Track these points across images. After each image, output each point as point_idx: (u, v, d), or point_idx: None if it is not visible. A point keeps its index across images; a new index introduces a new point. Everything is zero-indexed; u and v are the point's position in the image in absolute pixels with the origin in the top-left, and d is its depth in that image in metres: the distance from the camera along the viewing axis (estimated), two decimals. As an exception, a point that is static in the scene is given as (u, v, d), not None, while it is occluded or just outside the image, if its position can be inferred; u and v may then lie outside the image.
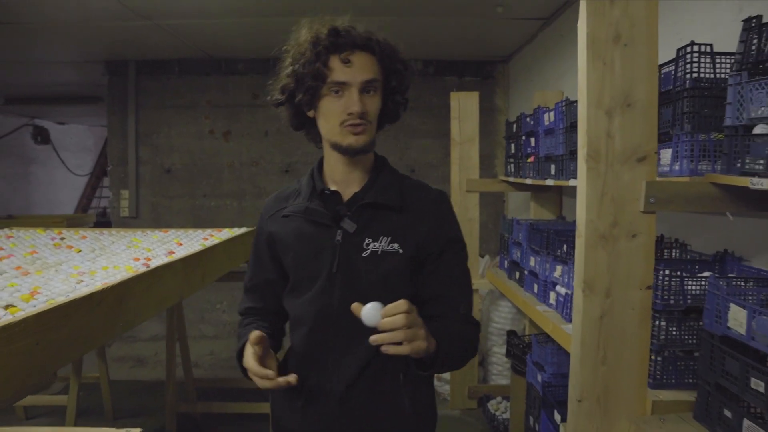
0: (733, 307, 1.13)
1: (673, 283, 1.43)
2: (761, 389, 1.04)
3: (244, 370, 1.13)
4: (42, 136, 8.46)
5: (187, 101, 4.72)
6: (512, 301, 2.78)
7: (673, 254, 1.94)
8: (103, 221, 8.36)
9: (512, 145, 3.04)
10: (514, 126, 2.99)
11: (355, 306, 1.00)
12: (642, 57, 1.24)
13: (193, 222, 4.67)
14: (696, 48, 1.37)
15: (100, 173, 10.52)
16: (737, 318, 1.12)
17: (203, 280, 2.21)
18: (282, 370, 1.15)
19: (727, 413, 1.15)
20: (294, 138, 4.70)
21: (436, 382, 3.73)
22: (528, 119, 2.73)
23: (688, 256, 1.89)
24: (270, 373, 1.05)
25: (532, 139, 2.67)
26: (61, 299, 1.32)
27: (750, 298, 1.20)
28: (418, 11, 3.44)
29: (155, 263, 2.13)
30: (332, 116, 1.13)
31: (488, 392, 3.45)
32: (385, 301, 1.02)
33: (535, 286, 2.46)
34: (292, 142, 4.70)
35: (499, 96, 4.74)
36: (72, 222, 4.97)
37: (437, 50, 4.52)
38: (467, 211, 3.36)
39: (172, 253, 2.36)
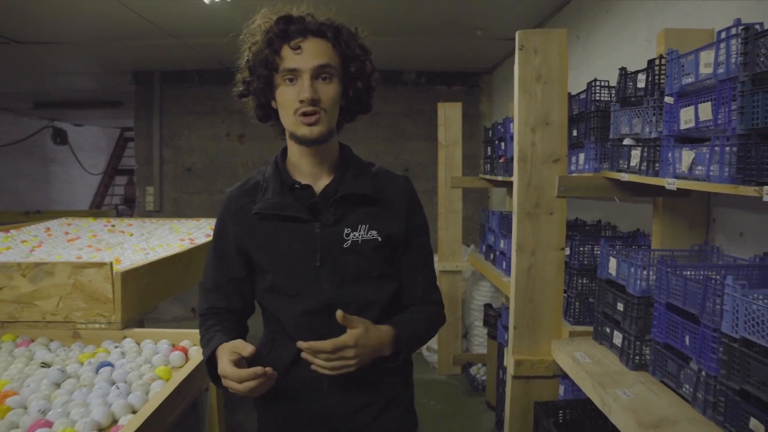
0: (611, 259, 1.70)
1: (586, 250, 2.01)
2: (621, 308, 1.61)
3: (216, 378, 1.06)
4: (61, 137, 9.00)
5: (205, 108, 5.29)
6: (487, 276, 3.35)
7: (606, 233, 2.51)
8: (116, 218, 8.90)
9: (489, 148, 3.61)
10: (490, 132, 3.56)
11: (339, 314, 1.03)
12: (555, 91, 1.81)
13: (211, 215, 5.22)
14: (598, 83, 1.94)
15: (112, 172, 11.05)
16: (612, 266, 1.69)
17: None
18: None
19: (607, 330, 1.72)
20: (301, 140, 5.27)
21: (425, 352, 4.31)
22: (500, 126, 3.30)
23: (615, 234, 2.47)
24: (253, 370, 0.99)
25: (503, 143, 3.24)
26: (156, 256, 1.89)
27: (633, 256, 1.76)
28: (411, 32, 4.01)
29: (199, 242, 2.70)
30: (287, 105, 1.10)
31: (470, 360, 4.02)
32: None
33: (504, 263, 3.03)
34: (299, 144, 5.26)
35: (483, 103, 5.31)
36: (95, 216, 5.53)
37: (428, 63, 5.10)
38: (451, 204, 3.94)
39: (208, 235, 2.93)
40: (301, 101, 1.07)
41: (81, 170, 9.96)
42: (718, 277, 1.34)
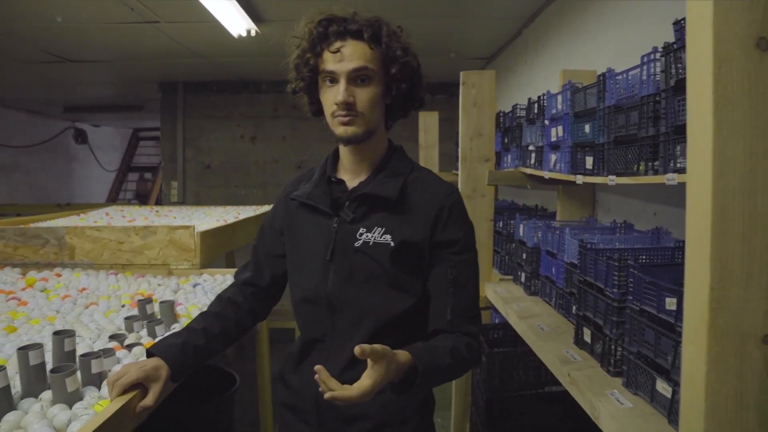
0: (520, 225, 2.55)
1: (512, 222, 2.85)
2: (524, 257, 2.46)
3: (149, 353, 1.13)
4: (81, 137, 9.81)
5: (222, 113, 6.12)
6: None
7: (537, 214, 3.35)
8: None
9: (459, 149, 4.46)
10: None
11: (357, 350, 0.92)
12: (486, 112, 2.65)
13: (227, 205, 6.06)
14: (518, 106, 2.79)
15: (125, 169, 11.86)
16: (521, 230, 2.54)
17: (261, 231, 3.63)
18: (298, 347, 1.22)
19: (518, 273, 2.57)
20: (305, 141, 6.11)
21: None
22: (466, 132, 4.15)
23: (544, 213, 3.31)
24: (119, 389, 1.06)
25: (468, 146, 4.08)
26: (212, 226, 2.73)
27: (529, 222, 2.60)
28: (397, 53, 4.85)
29: (231, 220, 3.53)
30: (326, 107, 1.14)
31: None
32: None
33: (467, 240, 3.88)
34: (303, 145, 6.10)
35: (462, 109, 6.16)
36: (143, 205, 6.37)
37: (414, 75, 5.93)
38: (430, 195, 4.79)
39: (237, 217, 3.77)
40: (336, 104, 1.10)
41: (98, 167, 10.76)
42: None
